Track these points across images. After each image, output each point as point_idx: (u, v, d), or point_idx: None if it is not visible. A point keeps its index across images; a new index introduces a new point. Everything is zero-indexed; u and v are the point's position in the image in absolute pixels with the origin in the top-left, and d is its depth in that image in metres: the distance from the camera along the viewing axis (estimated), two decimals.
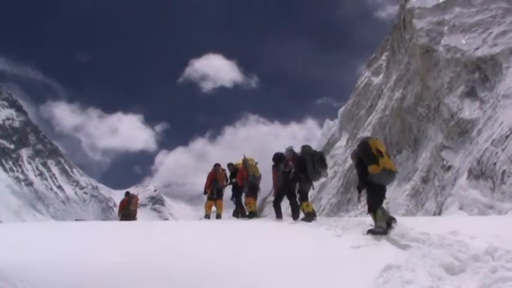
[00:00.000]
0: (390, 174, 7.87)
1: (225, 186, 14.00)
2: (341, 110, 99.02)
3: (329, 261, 5.92)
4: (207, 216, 13.56)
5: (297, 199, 10.55)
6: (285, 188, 11.03)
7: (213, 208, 13.99)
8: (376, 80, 75.48)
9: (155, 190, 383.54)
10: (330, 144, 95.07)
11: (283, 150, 11.19)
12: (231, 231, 8.17)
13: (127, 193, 20.38)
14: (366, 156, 7.97)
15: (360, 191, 8.18)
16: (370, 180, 7.93)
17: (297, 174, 10.33)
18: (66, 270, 4.73)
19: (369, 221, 8.44)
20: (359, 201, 8.97)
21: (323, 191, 75.09)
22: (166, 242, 6.71)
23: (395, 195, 48.00)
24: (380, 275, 5.30)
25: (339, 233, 7.89)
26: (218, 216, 13.77)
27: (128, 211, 18.57)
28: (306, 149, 10.45)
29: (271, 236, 7.72)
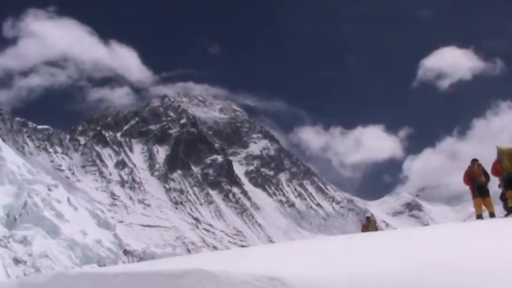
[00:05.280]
0: None
1: (485, 182, 12.76)
2: None
3: None
4: (479, 216, 12.41)
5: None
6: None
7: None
8: None
9: (417, 195, 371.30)
10: None
11: None
12: None
13: (367, 218, 21.17)
14: None
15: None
16: None
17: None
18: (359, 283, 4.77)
19: None
20: None
21: None
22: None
23: None
24: None
25: None
26: (491, 215, 12.49)
27: None
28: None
29: None
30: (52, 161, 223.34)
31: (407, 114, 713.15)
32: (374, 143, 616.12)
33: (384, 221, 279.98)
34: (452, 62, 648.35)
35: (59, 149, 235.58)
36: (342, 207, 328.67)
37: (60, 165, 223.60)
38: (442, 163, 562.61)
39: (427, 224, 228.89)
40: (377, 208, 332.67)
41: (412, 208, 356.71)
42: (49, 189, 67.49)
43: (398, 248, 6.63)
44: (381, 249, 6.53)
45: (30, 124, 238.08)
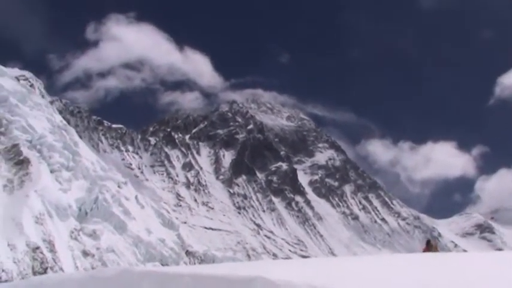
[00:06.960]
0: None
1: None
2: None
3: None
4: None
5: None
6: None
7: None
8: None
9: (492, 217, 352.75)
10: None
11: None
12: None
13: (427, 242, 19.81)
14: None
15: None
16: None
17: None
18: None
19: None
20: None
21: None
22: None
23: None
24: None
25: None
26: None
27: None
28: None
29: None
30: (123, 159, 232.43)
31: (482, 132, 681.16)
32: (445, 159, 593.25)
33: (453, 241, 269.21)
34: None
35: (130, 148, 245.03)
36: (407, 223, 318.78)
37: (131, 164, 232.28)
38: None
39: (500, 249, 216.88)
40: (445, 227, 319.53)
41: (483, 230, 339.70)
42: (119, 186, 70.11)
43: (467, 271, 6.38)
44: (447, 271, 6.31)
45: (105, 123, 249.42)
